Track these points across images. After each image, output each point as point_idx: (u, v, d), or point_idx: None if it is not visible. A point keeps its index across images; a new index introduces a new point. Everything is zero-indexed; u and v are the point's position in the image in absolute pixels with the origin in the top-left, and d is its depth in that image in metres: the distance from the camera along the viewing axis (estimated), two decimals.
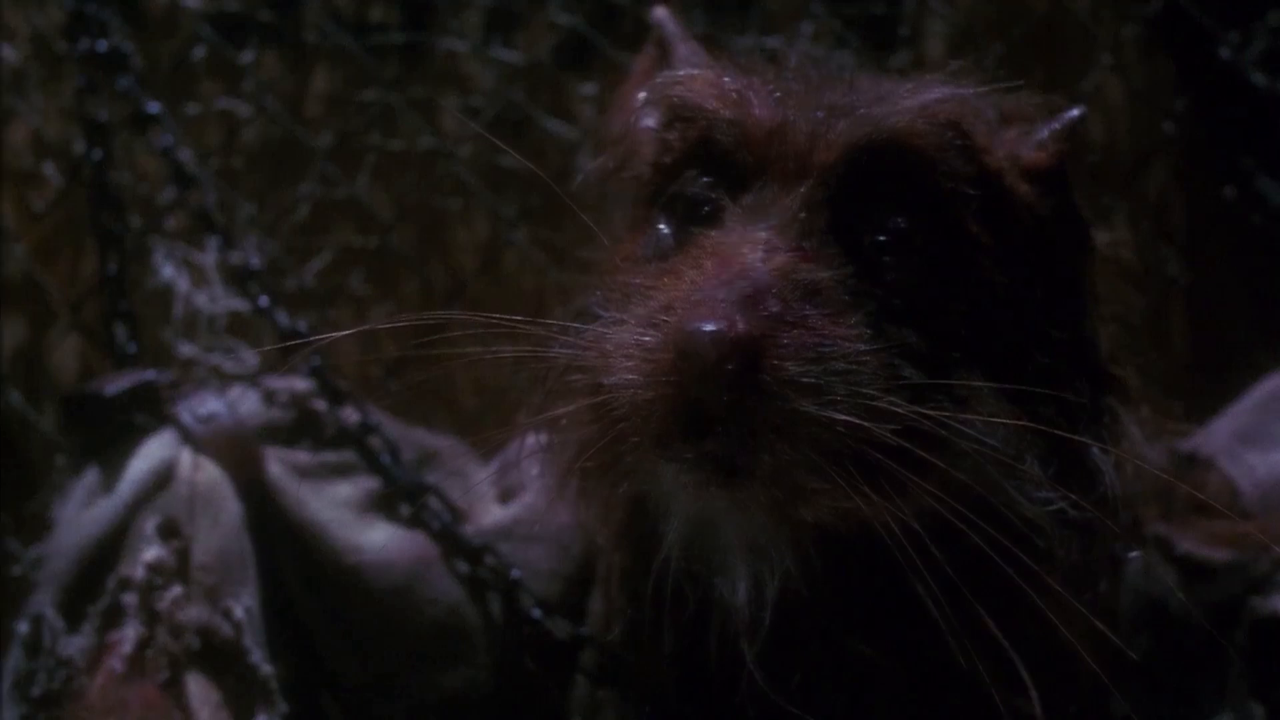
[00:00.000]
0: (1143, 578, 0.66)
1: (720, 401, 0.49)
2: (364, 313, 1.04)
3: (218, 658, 0.65)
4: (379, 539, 0.68)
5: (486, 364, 0.55)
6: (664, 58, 0.63)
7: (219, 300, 0.79)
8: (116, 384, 0.69)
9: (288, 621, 0.67)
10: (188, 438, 0.68)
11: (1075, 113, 0.59)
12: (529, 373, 0.57)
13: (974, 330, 0.55)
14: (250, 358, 0.74)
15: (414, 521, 0.69)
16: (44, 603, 0.66)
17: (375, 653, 0.67)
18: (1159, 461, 0.66)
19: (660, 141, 0.59)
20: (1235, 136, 1.00)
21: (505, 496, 0.71)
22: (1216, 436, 0.72)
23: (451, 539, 0.68)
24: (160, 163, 0.78)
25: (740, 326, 0.49)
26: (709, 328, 0.49)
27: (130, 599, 0.65)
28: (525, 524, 0.69)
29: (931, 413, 0.51)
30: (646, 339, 0.51)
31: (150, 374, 0.70)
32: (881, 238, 0.54)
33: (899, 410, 0.51)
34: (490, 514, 0.70)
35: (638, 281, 0.55)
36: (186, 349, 0.79)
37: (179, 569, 0.65)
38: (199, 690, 0.64)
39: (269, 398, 0.70)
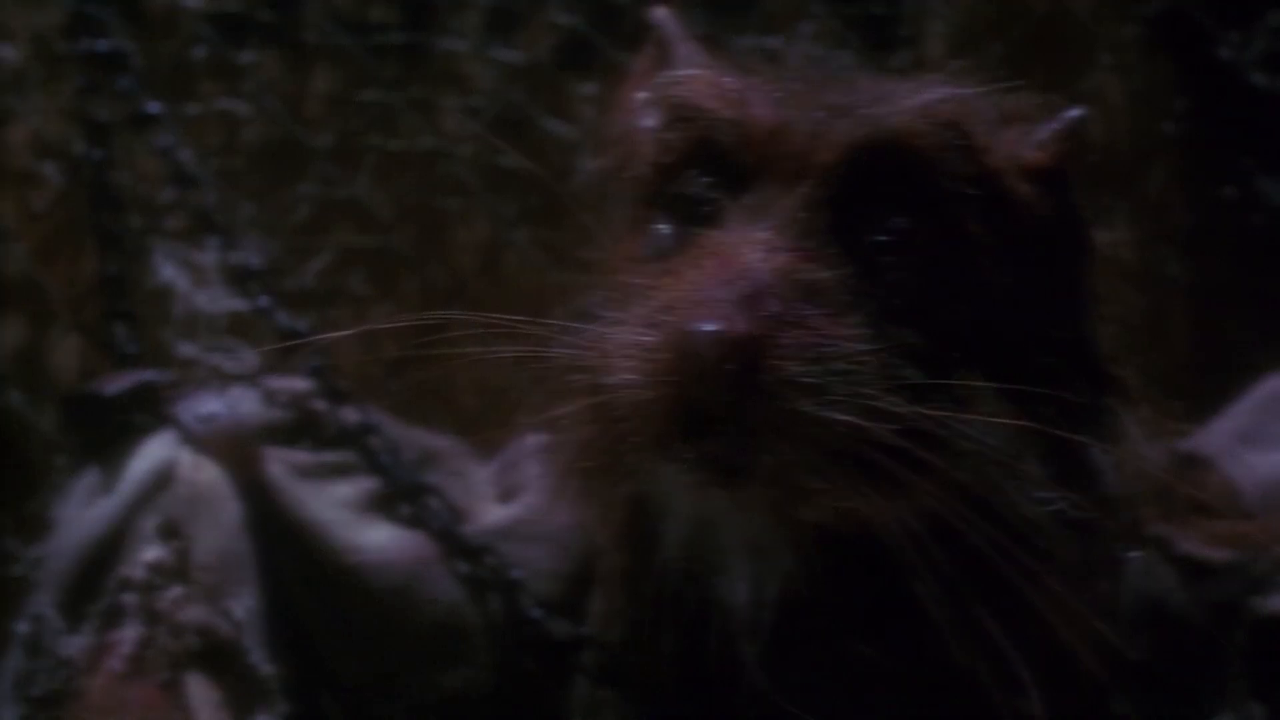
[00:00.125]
0: (1143, 578, 0.66)
1: (720, 402, 0.49)
2: (364, 313, 1.04)
3: (218, 658, 0.65)
4: (379, 539, 0.68)
5: (486, 364, 0.55)
6: (664, 58, 0.63)
7: (219, 300, 0.79)
8: (116, 384, 0.70)
9: (288, 621, 0.67)
10: (188, 438, 0.68)
11: (1075, 113, 0.59)
12: (529, 373, 0.57)
13: (974, 330, 0.54)
14: (250, 358, 0.74)
15: (414, 521, 0.69)
16: (44, 603, 0.66)
17: (375, 653, 0.68)
18: (1159, 461, 0.66)
19: (660, 141, 0.59)
20: (1235, 136, 1.00)
21: (505, 496, 0.72)
22: (1216, 436, 0.72)
23: (451, 539, 0.68)
24: (160, 163, 0.78)
25: (740, 327, 0.49)
26: (709, 328, 0.49)
27: (130, 599, 0.65)
28: (525, 524, 0.69)
29: (931, 413, 0.51)
30: (646, 339, 0.51)
31: (150, 374, 0.70)
32: (881, 238, 0.54)
33: (899, 410, 0.51)
34: (490, 514, 0.70)
35: (638, 281, 0.55)
36: (186, 349, 0.78)
37: (179, 569, 0.65)
38: (199, 690, 0.64)
39: (269, 398, 0.70)
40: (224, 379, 0.72)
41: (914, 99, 0.56)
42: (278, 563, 0.67)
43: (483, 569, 0.68)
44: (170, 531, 0.66)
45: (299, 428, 0.70)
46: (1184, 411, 0.69)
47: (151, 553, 0.65)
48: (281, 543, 0.67)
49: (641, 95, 0.62)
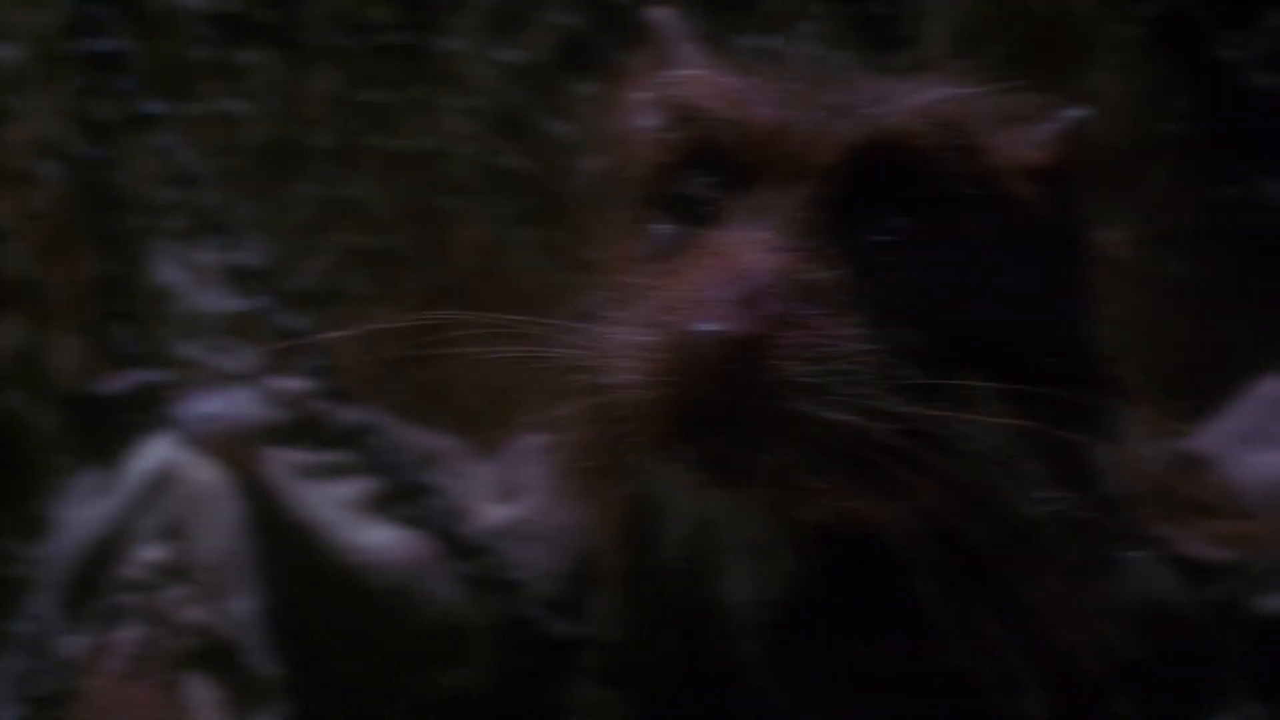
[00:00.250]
0: (1143, 578, 0.66)
1: (721, 402, 0.49)
2: (364, 313, 1.04)
3: (218, 658, 0.65)
4: (379, 539, 0.68)
5: (486, 364, 0.55)
6: (664, 58, 0.63)
7: (219, 300, 0.79)
8: (116, 384, 0.70)
9: (288, 621, 0.67)
10: (188, 438, 0.68)
11: (1075, 113, 0.59)
12: (529, 373, 0.57)
13: (974, 330, 0.55)
14: (250, 358, 0.74)
15: (414, 521, 0.69)
16: (44, 603, 0.66)
17: (375, 653, 0.68)
18: (1159, 461, 0.66)
19: (660, 141, 0.59)
20: (1235, 136, 1.00)
21: (505, 496, 0.71)
22: (1216, 436, 0.72)
23: (451, 539, 0.68)
24: (160, 163, 0.78)
25: (740, 327, 0.49)
26: (709, 328, 0.49)
27: (130, 599, 0.65)
28: (525, 524, 0.69)
29: (931, 413, 0.51)
30: (647, 339, 0.51)
31: (150, 374, 0.70)
32: (881, 238, 0.54)
33: (899, 410, 0.51)
34: (490, 514, 0.70)
35: (638, 281, 0.55)
36: (186, 349, 0.78)
37: (179, 569, 0.66)
38: (199, 690, 0.64)
39: (269, 398, 0.70)
40: (224, 379, 0.72)
41: (914, 99, 0.56)
42: (278, 563, 0.67)
43: (483, 569, 0.68)
44: (170, 531, 0.66)
45: (299, 428, 0.70)
46: (1184, 411, 0.69)
47: (151, 553, 0.65)
48: (281, 543, 0.67)
49: (641, 95, 0.62)
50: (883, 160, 0.55)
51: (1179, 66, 1.04)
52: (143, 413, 0.69)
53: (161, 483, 0.67)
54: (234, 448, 0.68)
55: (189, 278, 0.81)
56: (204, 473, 0.67)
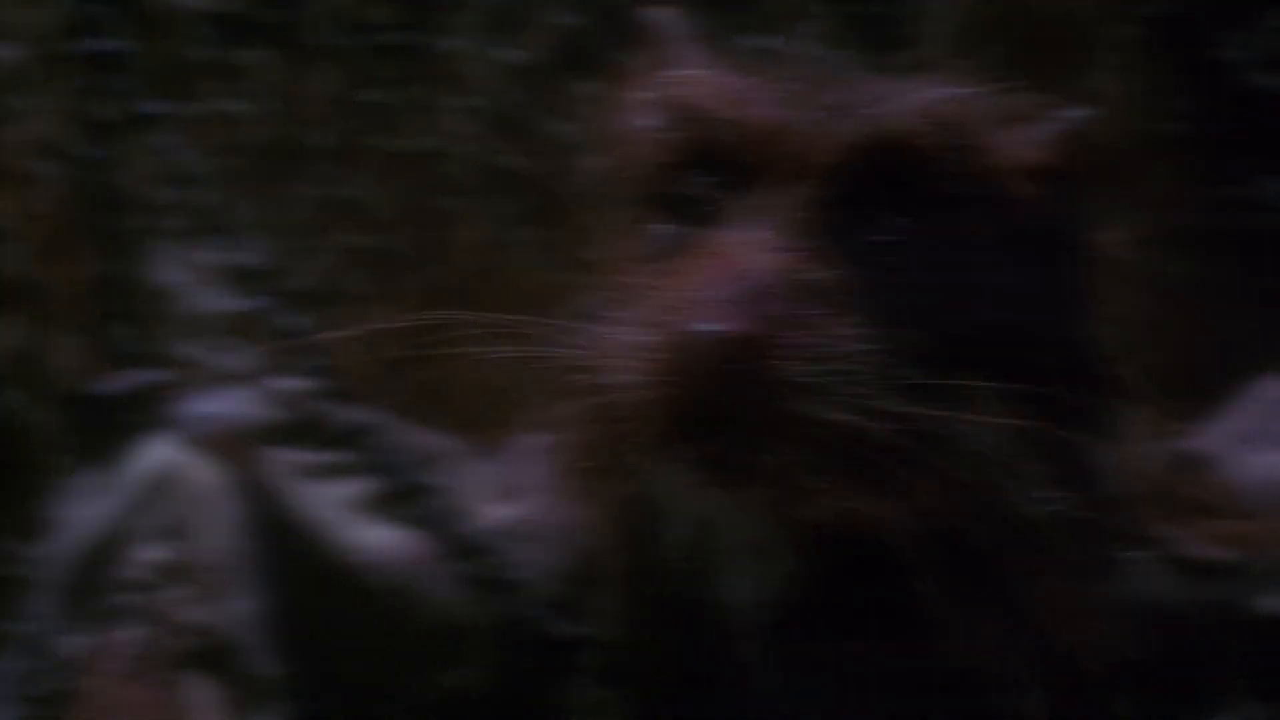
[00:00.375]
0: (1143, 578, 0.66)
1: (721, 402, 0.49)
2: (364, 313, 1.04)
3: (218, 658, 0.65)
4: (379, 539, 0.68)
5: (486, 364, 0.55)
6: (664, 58, 0.63)
7: (219, 300, 0.79)
8: (116, 384, 0.70)
9: (288, 621, 0.67)
10: (188, 438, 0.68)
11: (1075, 113, 0.59)
12: (529, 373, 0.57)
13: (974, 330, 0.55)
14: (250, 358, 0.74)
15: (414, 521, 0.69)
16: (44, 603, 0.66)
17: (375, 653, 0.68)
18: (1159, 461, 0.66)
19: (660, 141, 0.59)
20: (1235, 136, 1.00)
21: (505, 496, 0.71)
22: (1216, 436, 0.72)
23: (451, 539, 0.68)
24: (160, 163, 0.78)
25: (740, 327, 0.49)
26: (710, 328, 0.49)
27: (130, 599, 0.65)
28: (525, 524, 0.69)
29: (931, 413, 0.51)
30: (647, 339, 0.51)
31: (150, 374, 0.70)
32: (881, 238, 0.54)
33: (899, 410, 0.51)
34: (490, 514, 0.70)
35: (638, 281, 0.55)
36: (186, 349, 0.78)
37: (179, 569, 0.65)
38: (199, 690, 0.64)
39: (269, 398, 0.70)
40: (224, 379, 0.72)
41: (914, 99, 0.56)
42: (278, 563, 0.67)
43: (483, 569, 0.68)
44: (170, 531, 0.66)
45: (299, 428, 0.70)
46: (1184, 411, 0.69)
47: (151, 553, 0.65)
48: (281, 543, 0.67)
49: (641, 95, 0.63)
50: (883, 160, 0.55)
51: (1179, 66, 1.04)
52: (143, 413, 0.69)
53: (161, 483, 0.67)
54: (234, 448, 0.68)
55: (189, 278, 0.81)
56: (204, 473, 0.67)
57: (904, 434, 0.50)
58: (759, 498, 0.52)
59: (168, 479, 0.67)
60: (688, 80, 0.59)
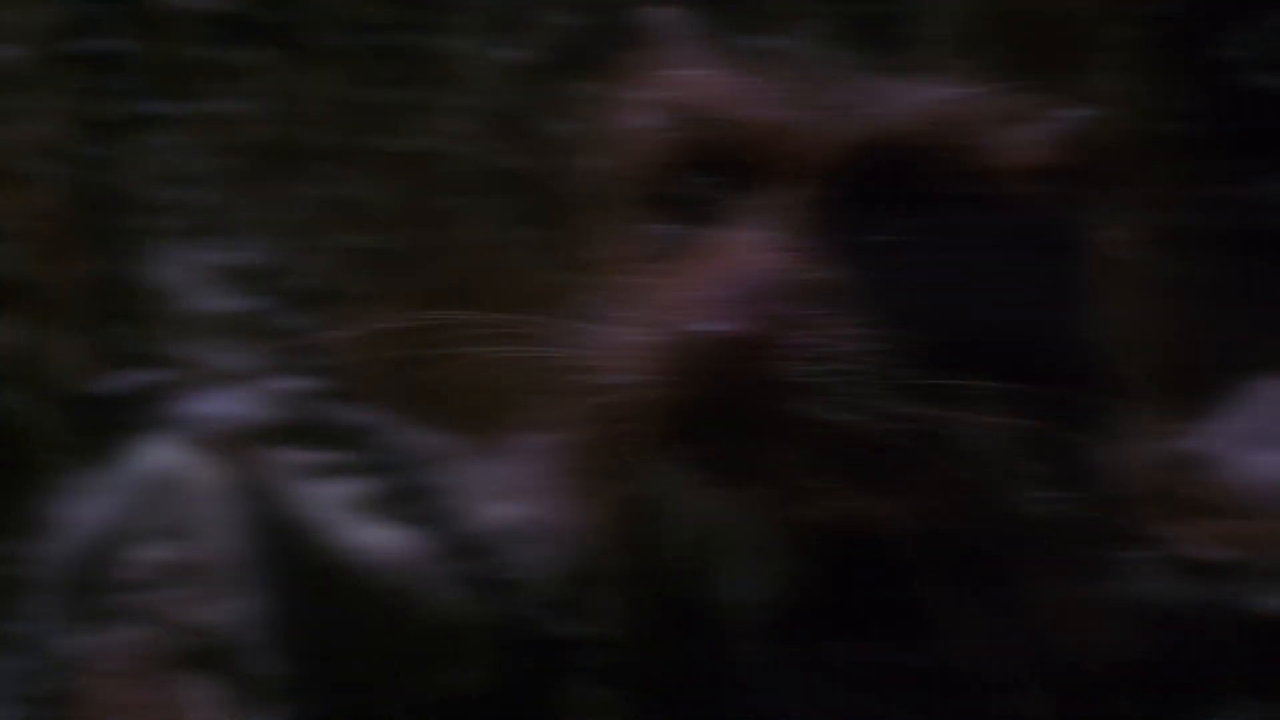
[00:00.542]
0: (1143, 578, 0.66)
1: (721, 402, 0.49)
2: (364, 313, 1.04)
3: (218, 658, 0.65)
4: (379, 539, 0.68)
5: (486, 364, 0.55)
6: (664, 58, 0.63)
7: (219, 300, 0.79)
8: (116, 384, 0.70)
9: (288, 621, 0.67)
10: (188, 438, 0.68)
11: (1075, 113, 0.59)
12: (529, 373, 0.57)
13: (974, 330, 0.55)
14: (250, 358, 0.74)
15: (414, 521, 0.69)
16: (44, 603, 0.66)
17: (375, 653, 0.68)
18: (1159, 461, 0.66)
19: (660, 141, 0.59)
20: (1235, 136, 1.00)
21: (505, 496, 0.71)
22: (1216, 436, 0.72)
23: (451, 539, 0.68)
24: (160, 163, 0.78)
25: (741, 327, 0.49)
26: (710, 328, 0.49)
27: (130, 599, 0.65)
28: (525, 524, 0.69)
29: (932, 413, 0.51)
30: (647, 339, 0.51)
31: (150, 374, 0.70)
32: (882, 238, 0.54)
33: (900, 410, 0.51)
34: (490, 514, 0.70)
35: (638, 281, 0.55)
36: (186, 349, 0.78)
37: (179, 569, 0.66)
38: (199, 690, 0.64)
39: (269, 398, 0.70)
40: (224, 379, 0.72)
41: (914, 99, 0.56)
42: (278, 563, 0.67)
43: (483, 569, 0.68)
44: (170, 531, 0.66)
45: (299, 428, 0.70)
46: (1184, 411, 0.69)
47: (151, 553, 0.65)
48: (282, 543, 0.67)
49: (641, 95, 0.63)
50: (883, 160, 0.55)
51: (1179, 66, 1.04)
52: (143, 413, 0.69)
53: (162, 482, 0.67)
54: (234, 448, 0.68)
55: (189, 278, 0.81)
56: (204, 472, 0.67)
57: (904, 434, 0.50)
58: (759, 498, 0.52)
59: (168, 479, 0.67)
60: (688, 80, 0.59)
